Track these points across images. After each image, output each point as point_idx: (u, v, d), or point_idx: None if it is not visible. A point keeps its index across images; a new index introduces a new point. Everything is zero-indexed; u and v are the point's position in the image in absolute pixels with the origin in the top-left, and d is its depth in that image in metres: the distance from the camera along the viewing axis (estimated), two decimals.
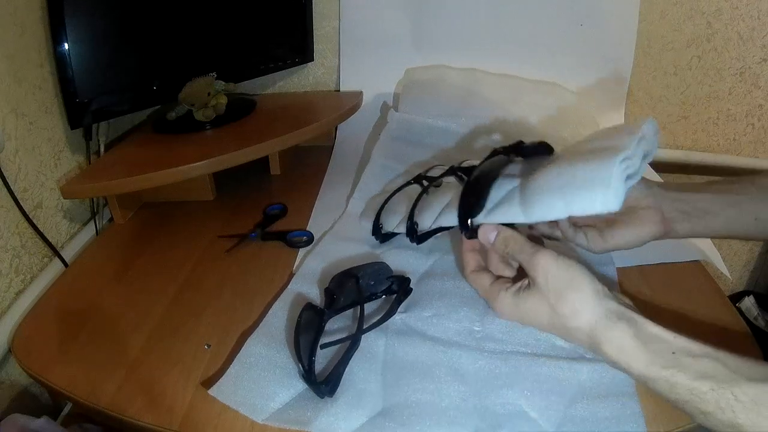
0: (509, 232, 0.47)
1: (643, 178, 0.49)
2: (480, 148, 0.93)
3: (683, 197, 0.51)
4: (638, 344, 0.39)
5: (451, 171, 0.68)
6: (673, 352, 0.38)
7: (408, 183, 0.74)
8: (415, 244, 0.68)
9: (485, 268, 0.51)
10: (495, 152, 0.52)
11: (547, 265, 0.43)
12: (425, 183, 0.73)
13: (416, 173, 0.76)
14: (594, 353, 0.42)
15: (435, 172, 0.76)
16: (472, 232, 0.50)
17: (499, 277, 0.49)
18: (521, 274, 0.48)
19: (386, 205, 0.74)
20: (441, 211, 0.62)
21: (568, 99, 1.01)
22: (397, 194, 0.74)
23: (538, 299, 0.43)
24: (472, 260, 0.51)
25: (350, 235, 0.75)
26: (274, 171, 0.98)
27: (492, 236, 0.48)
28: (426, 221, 0.64)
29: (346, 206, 0.83)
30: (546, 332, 0.45)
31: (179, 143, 0.88)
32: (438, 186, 0.70)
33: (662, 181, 0.49)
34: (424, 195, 0.68)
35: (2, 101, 0.70)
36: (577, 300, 0.42)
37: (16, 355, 0.60)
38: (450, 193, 0.63)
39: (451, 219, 0.59)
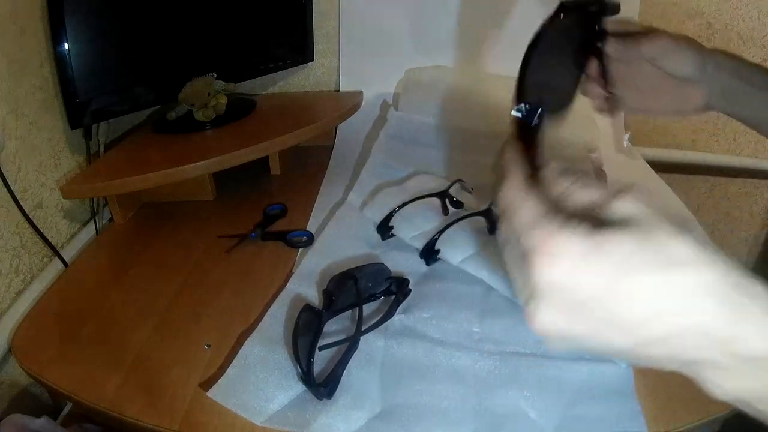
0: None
1: (702, 57, 0.49)
2: (479, 149, 0.93)
3: (733, 86, 0.50)
4: None
5: (485, 213, 0.70)
6: None
7: (429, 195, 0.74)
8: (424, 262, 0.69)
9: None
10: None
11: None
12: (448, 202, 0.73)
13: (421, 173, 0.75)
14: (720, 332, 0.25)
15: (455, 190, 0.76)
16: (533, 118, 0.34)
17: None
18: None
19: (401, 209, 0.73)
20: (471, 254, 0.65)
21: None
22: (413, 202, 0.74)
23: (644, 237, 0.25)
24: (524, 165, 0.30)
25: (349, 233, 0.75)
26: (274, 171, 0.98)
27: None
28: (449, 254, 0.66)
29: (345, 200, 0.83)
30: (629, 304, 0.25)
31: (179, 143, 0.88)
32: (461, 210, 0.71)
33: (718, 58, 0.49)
34: (451, 226, 0.68)
35: (2, 101, 0.70)
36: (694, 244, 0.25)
37: (16, 355, 0.60)
38: (478, 234, 0.66)
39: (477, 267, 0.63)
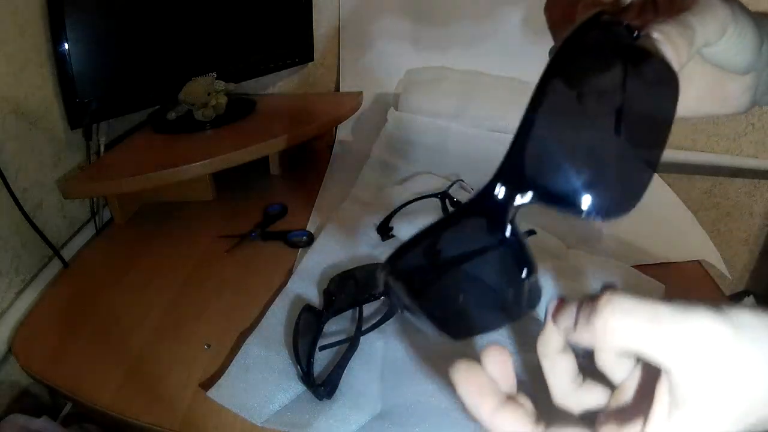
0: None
1: (760, 40, 0.30)
2: (479, 149, 0.93)
3: None
4: None
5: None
6: None
7: (430, 195, 0.74)
8: None
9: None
10: None
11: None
12: (448, 203, 0.72)
13: (421, 173, 0.75)
14: None
15: (455, 190, 0.76)
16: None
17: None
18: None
19: (401, 209, 0.73)
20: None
21: None
22: (413, 202, 0.74)
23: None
24: (563, 371, 0.26)
25: (349, 232, 0.75)
26: (274, 171, 0.98)
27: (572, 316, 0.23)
28: None
29: (345, 200, 0.83)
30: None
31: (179, 143, 0.88)
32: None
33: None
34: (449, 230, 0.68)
35: (2, 101, 0.70)
36: None
37: (16, 355, 0.60)
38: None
39: None
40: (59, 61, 0.75)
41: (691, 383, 0.20)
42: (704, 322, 0.20)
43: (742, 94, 0.33)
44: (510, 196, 0.22)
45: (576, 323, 0.22)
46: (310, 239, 0.76)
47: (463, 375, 0.24)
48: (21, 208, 0.70)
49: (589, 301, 0.21)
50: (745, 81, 0.32)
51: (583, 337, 0.22)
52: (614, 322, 0.20)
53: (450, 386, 0.24)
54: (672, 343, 0.20)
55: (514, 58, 1.04)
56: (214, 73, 0.91)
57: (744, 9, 0.28)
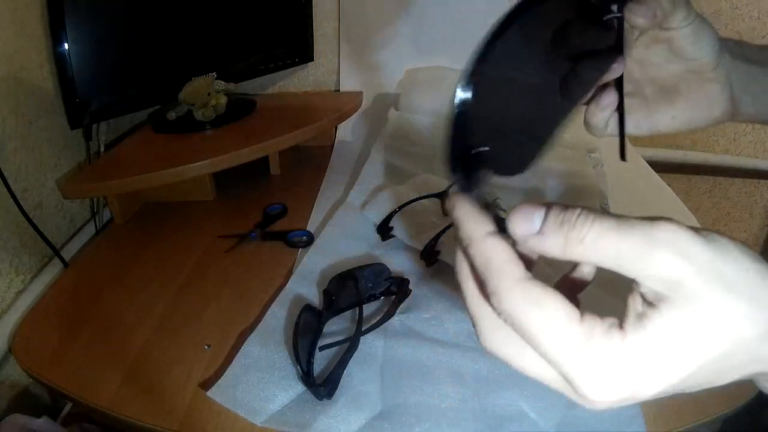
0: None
1: (719, 39, 0.36)
2: None
3: (753, 73, 0.37)
4: None
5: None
6: None
7: (430, 195, 0.74)
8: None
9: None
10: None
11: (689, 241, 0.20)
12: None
13: (421, 173, 0.74)
14: None
15: (455, 189, 0.75)
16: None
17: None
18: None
19: (401, 209, 0.73)
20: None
21: None
22: (413, 202, 0.74)
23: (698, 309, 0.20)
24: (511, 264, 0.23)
25: (349, 233, 0.75)
26: (274, 171, 0.98)
27: (536, 220, 0.23)
28: (450, 255, 0.65)
29: (345, 200, 0.83)
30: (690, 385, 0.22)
31: (179, 143, 0.88)
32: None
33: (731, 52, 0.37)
34: (452, 227, 0.68)
35: (2, 101, 0.70)
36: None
37: (16, 355, 0.60)
38: None
39: None
40: (59, 61, 0.75)
41: (665, 295, 0.20)
42: (675, 235, 0.20)
43: (721, 92, 0.36)
44: None
45: (541, 232, 0.22)
46: (310, 239, 0.76)
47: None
48: (21, 208, 0.70)
49: (559, 211, 0.22)
50: (720, 78, 0.36)
51: (551, 248, 0.22)
52: (589, 236, 0.21)
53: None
54: (643, 259, 0.20)
55: None
56: (214, 73, 0.91)
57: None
